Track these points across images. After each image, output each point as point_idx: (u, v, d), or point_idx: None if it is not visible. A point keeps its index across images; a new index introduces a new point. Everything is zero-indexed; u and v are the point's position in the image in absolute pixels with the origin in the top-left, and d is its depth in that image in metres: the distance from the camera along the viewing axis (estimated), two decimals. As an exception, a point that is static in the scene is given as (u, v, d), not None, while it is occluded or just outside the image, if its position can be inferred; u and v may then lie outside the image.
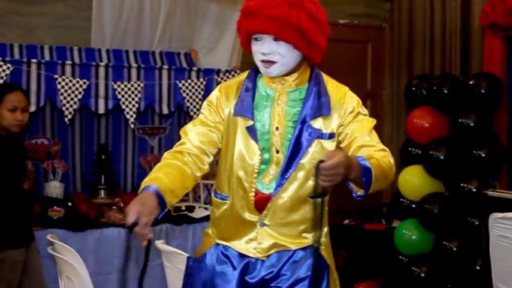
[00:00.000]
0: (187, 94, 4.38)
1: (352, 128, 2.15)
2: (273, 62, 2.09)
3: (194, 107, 4.38)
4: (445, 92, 4.36)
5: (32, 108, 3.91)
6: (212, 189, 2.35)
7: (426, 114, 4.54)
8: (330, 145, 2.16)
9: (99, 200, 4.38)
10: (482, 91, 4.25)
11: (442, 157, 4.31)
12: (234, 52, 4.80)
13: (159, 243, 3.05)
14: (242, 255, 2.20)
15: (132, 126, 4.35)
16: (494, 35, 4.51)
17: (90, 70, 4.16)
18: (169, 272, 2.99)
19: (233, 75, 4.42)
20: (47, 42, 4.48)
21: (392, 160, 2.09)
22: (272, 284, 2.18)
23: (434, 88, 4.44)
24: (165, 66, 4.40)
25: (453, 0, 4.92)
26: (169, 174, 2.04)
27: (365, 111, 2.21)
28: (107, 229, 4.05)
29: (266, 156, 2.14)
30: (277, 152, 2.14)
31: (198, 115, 2.28)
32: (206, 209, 4.38)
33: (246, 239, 2.19)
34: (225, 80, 4.19)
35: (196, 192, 4.51)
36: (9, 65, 3.92)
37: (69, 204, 4.19)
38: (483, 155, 4.21)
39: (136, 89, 4.25)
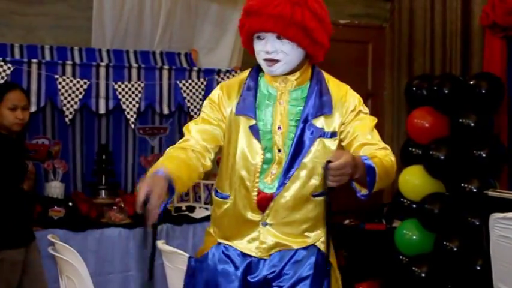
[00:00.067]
0: (188, 94, 4.39)
1: (354, 126, 2.16)
2: (276, 61, 2.09)
3: (195, 107, 4.38)
4: (446, 92, 4.36)
5: (33, 109, 3.92)
6: (213, 188, 2.35)
7: (427, 114, 4.53)
8: (332, 144, 2.16)
9: (100, 200, 4.39)
10: (483, 91, 4.25)
11: (442, 157, 4.31)
12: (234, 52, 4.80)
13: (160, 244, 3.04)
14: (244, 255, 2.20)
15: (132, 126, 4.36)
16: (495, 35, 4.51)
17: (91, 70, 4.16)
18: (169, 272, 2.99)
19: (234, 76, 4.41)
20: (48, 42, 4.48)
21: (393, 158, 2.09)
22: (274, 284, 2.18)
23: (435, 88, 4.44)
24: (166, 66, 4.40)
25: (453, 0, 4.91)
26: (175, 163, 2.02)
27: (366, 109, 2.21)
28: (107, 229, 4.06)
29: (268, 155, 2.14)
30: (279, 151, 2.14)
31: (198, 115, 2.28)
32: (207, 209, 4.38)
33: (248, 238, 2.19)
34: (226, 80, 4.19)
35: (197, 192, 4.51)
36: (9, 65, 3.92)
37: (70, 204, 4.19)
38: (484, 155, 4.21)
39: (136, 89, 4.25)
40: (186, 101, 4.37)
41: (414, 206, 4.57)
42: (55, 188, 4.31)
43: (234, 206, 2.18)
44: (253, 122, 2.14)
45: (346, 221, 5.10)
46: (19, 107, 3.34)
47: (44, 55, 4.33)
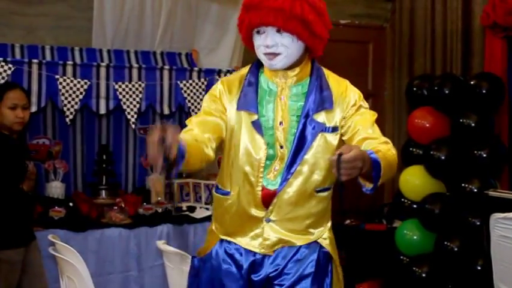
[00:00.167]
0: (189, 94, 4.39)
1: (355, 120, 2.16)
2: (277, 54, 2.10)
3: (195, 107, 4.38)
4: (446, 92, 4.36)
5: (33, 109, 3.92)
6: (213, 186, 2.35)
7: (427, 114, 4.53)
8: (333, 138, 2.17)
9: (100, 200, 4.38)
10: (484, 91, 4.24)
11: (443, 157, 4.31)
12: (235, 52, 4.80)
13: (160, 244, 3.05)
14: (247, 253, 2.19)
15: (133, 126, 4.35)
16: (495, 35, 4.50)
17: (91, 70, 4.16)
18: (170, 272, 2.99)
19: (234, 76, 4.42)
20: (48, 42, 4.49)
21: (395, 151, 2.10)
22: (275, 282, 2.19)
23: (436, 88, 4.44)
24: (166, 67, 4.40)
25: (454, 0, 4.91)
26: (184, 137, 1.99)
27: (366, 104, 2.23)
28: (108, 229, 4.05)
29: (270, 151, 2.15)
30: (281, 147, 2.15)
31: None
32: (207, 209, 4.38)
33: (252, 234, 2.19)
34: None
35: (197, 192, 4.51)
36: (10, 65, 3.93)
37: (70, 204, 4.20)
38: (484, 155, 4.21)
39: (137, 89, 4.25)
40: (186, 101, 4.37)
41: (415, 206, 4.57)
42: (56, 188, 4.31)
43: (237, 203, 2.18)
44: (255, 117, 2.15)
45: (347, 221, 5.10)
46: (19, 106, 3.34)
47: (45, 55, 4.33)
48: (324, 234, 2.23)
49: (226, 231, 2.24)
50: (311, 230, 2.21)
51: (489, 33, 4.57)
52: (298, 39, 2.09)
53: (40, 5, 4.59)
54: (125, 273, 4.06)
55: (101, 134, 4.70)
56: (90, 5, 4.53)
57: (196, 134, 2.07)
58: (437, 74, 4.92)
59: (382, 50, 5.73)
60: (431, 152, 4.36)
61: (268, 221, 2.17)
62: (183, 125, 2.17)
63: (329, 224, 2.27)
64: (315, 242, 2.21)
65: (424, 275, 4.38)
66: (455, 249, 4.24)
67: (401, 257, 4.63)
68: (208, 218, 4.10)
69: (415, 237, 4.53)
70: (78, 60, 4.32)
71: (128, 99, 4.22)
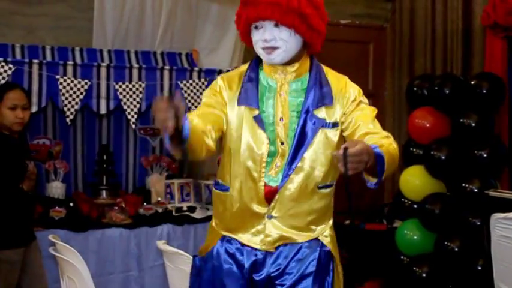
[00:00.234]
0: (189, 94, 4.39)
1: (355, 116, 2.17)
2: (275, 48, 2.10)
3: (196, 107, 4.38)
4: (447, 92, 4.36)
5: (34, 109, 3.92)
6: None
7: (427, 114, 4.53)
8: (333, 134, 2.17)
9: (101, 201, 4.39)
10: (484, 91, 4.24)
11: (443, 157, 4.31)
12: (235, 52, 4.80)
13: (161, 244, 3.05)
14: (249, 253, 2.19)
15: (133, 126, 4.35)
16: (496, 35, 4.50)
17: (92, 70, 4.16)
18: (170, 273, 2.99)
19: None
20: (49, 42, 4.49)
21: (396, 145, 2.11)
22: (277, 282, 2.19)
23: (436, 88, 4.44)
24: (167, 67, 4.40)
25: (454, 0, 4.91)
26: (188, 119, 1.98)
27: (366, 100, 2.24)
28: (108, 229, 4.06)
29: (272, 148, 2.15)
30: (282, 143, 2.15)
31: None
32: (208, 209, 4.38)
33: (253, 231, 2.19)
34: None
35: (198, 192, 4.52)
36: (10, 66, 3.93)
37: (71, 204, 4.20)
38: (484, 155, 4.21)
39: (137, 89, 4.25)
40: (187, 101, 4.37)
41: (415, 206, 4.57)
42: (56, 188, 4.31)
43: (239, 198, 2.17)
44: (256, 112, 2.15)
45: (347, 221, 5.09)
46: (19, 107, 3.34)
47: (45, 55, 4.34)
48: (325, 232, 2.23)
49: (227, 227, 2.23)
50: (313, 227, 2.21)
51: (489, 33, 4.57)
52: (296, 33, 2.09)
53: (40, 5, 4.59)
54: (126, 273, 4.07)
55: (102, 134, 4.70)
56: (90, 5, 4.54)
57: (198, 123, 2.06)
58: (438, 74, 4.91)
59: (382, 50, 5.72)
60: (432, 152, 4.36)
61: (270, 217, 2.16)
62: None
63: (330, 222, 2.27)
64: (316, 240, 2.21)
65: (424, 275, 4.38)
66: (456, 249, 4.23)
67: (402, 257, 4.63)
68: (208, 218, 4.09)
69: (415, 237, 4.52)
70: (78, 61, 4.32)
71: (128, 99, 4.22)
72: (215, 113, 2.15)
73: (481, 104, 4.28)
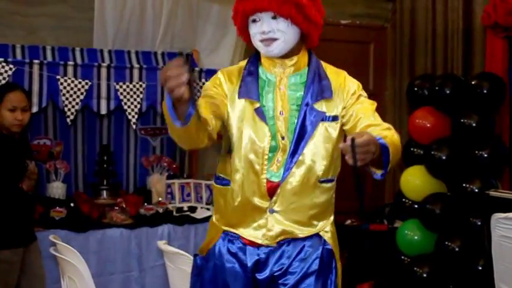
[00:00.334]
0: (189, 95, 4.38)
1: (356, 109, 2.17)
2: (274, 39, 2.11)
3: (196, 107, 4.38)
4: (447, 92, 4.35)
5: (34, 109, 3.93)
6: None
7: (428, 114, 4.53)
8: (334, 128, 2.17)
9: (101, 201, 4.39)
10: (484, 91, 4.24)
11: (444, 157, 4.31)
12: (235, 53, 4.80)
13: (161, 244, 3.05)
14: (251, 253, 2.18)
15: (134, 126, 4.36)
16: (496, 35, 4.50)
17: (92, 71, 4.17)
18: (171, 273, 2.99)
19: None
20: (49, 43, 4.49)
21: (398, 136, 2.10)
22: (280, 281, 2.18)
23: (436, 88, 4.44)
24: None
25: (455, 0, 4.91)
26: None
27: (365, 93, 2.24)
28: (109, 230, 4.06)
29: (273, 143, 2.14)
30: (283, 138, 2.14)
31: None
32: (208, 209, 4.39)
33: (255, 225, 2.17)
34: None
35: (198, 192, 4.52)
36: (11, 66, 3.93)
37: (72, 204, 4.20)
38: (485, 155, 4.20)
39: (138, 89, 4.25)
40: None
41: (416, 206, 4.57)
42: (57, 189, 4.32)
43: (241, 192, 2.16)
44: (257, 105, 2.15)
45: (348, 222, 5.10)
46: (19, 108, 3.33)
47: (46, 56, 4.34)
48: (326, 227, 2.23)
49: (228, 222, 2.22)
50: (314, 222, 2.20)
51: (490, 33, 4.57)
52: (293, 24, 2.10)
53: (41, 6, 4.59)
54: (126, 274, 4.07)
55: (102, 134, 4.71)
56: (91, 5, 4.54)
57: (201, 112, 2.00)
58: (438, 74, 4.91)
59: (383, 50, 5.73)
60: (432, 152, 4.36)
61: (272, 211, 2.16)
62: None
63: (331, 218, 2.27)
64: (318, 237, 2.21)
65: (425, 275, 4.38)
66: (456, 249, 4.23)
67: (402, 257, 4.63)
68: (209, 219, 4.09)
69: (416, 238, 4.52)
70: (79, 61, 4.32)
71: (128, 100, 4.22)
72: (216, 103, 2.13)
73: (481, 104, 4.28)
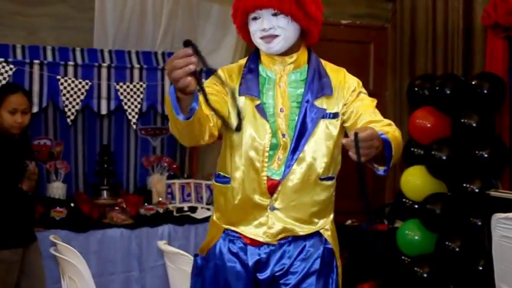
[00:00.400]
0: (190, 95, 4.38)
1: (356, 106, 2.17)
2: (274, 36, 2.11)
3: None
4: (447, 92, 4.35)
5: (35, 109, 3.93)
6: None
7: (428, 114, 4.53)
8: (334, 125, 2.17)
9: (102, 201, 4.39)
10: (485, 91, 4.24)
11: (444, 157, 4.31)
12: (236, 53, 4.80)
13: (162, 244, 3.05)
14: (252, 253, 2.18)
15: (134, 127, 4.36)
16: (497, 35, 4.50)
17: (93, 71, 4.17)
18: (171, 273, 2.99)
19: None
20: (50, 43, 4.49)
21: (399, 132, 2.10)
22: (281, 281, 2.18)
23: (437, 88, 4.44)
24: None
25: (455, 0, 4.91)
26: None
27: (365, 91, 2.24)
28: (109, 230, 4.06)
29: (273, 140, 2.14)
30: (284, 135, 2.14)
31: None
32: (208, 209, 4.38)
33: (256, 223, 2.17)
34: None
35: (199, 193, 4.52)
36: (11, 66, 3.93)
37: (72, 204, 4.21)
38: (485, 155, 4.20)
39: (138, 89, 4.25)
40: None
41: (416, 206, 4.57)
42: (57, 189, 4.32)
43: (241, 190, 2.16)
44: (258, 101, 2.14)
45: (348, 222, 5.10)
46: (19, 111, 3.32)
47: (46, 56, 4.33)
48: (326, 225, 2.23)
49: (228, 220, 2.22)
50: (315, 220, 2.20)
51: (490, 33, 4.56)
52: (293, 21, 2.10)
53: (41, 6, 4.59)
54: (127, 274, 4.07)
55: (102, 135, 4.71)
56: (91, 5, 4.54)
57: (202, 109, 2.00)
58: (439, 74, 4.91)
59: (383, 50, 5.73)
60: (433, 152, 4.36)
61: (273, 209, 2.15)
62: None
63: (331, 216, 2.27)
64: (319, 236, 2.21)
65: (425, 275, 4.38)
66: (457, 249, 4.23)
67: (403, 257, 4.63)
68: (209, 219, 4.10)
69: (416, 238, 4.52)
70: (79, 61, 4.32)
71: (129, 100, 4.22)
72: (217, 100, 2.11)
73: (481, 104, 4.28)
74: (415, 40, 5.34)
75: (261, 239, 2.17)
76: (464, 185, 4.24)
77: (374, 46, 5.76)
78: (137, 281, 4.08)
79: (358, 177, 1.81)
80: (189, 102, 1.83)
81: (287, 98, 2.16)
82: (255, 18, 2.13)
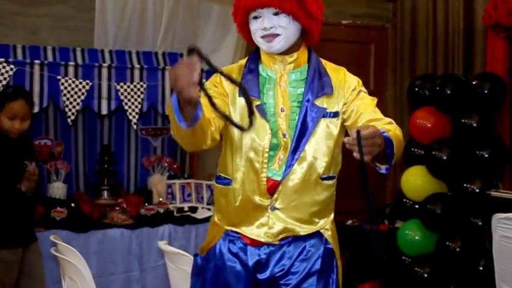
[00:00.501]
0: (190, 95, 4.38)
1: (357, 105, 2.17)
2: (275, 35, 2.11)
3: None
4: (448, 92, 4.35)
5: (35, 109, 3.92)
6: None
7: (429, 114, 4.53)
8: (335, 124, 2.17)
9: (102, 201, 4.39)
10: (485, 91, 4.24)
11: (444, 157, 4.30)
12: (236, 53, 4.80)
13: (162, 244, 3.05)
14: (252, 253, 2.18)
15: (135, 127, 4.36)
16: (497, 35, 4.50)
17: (93, 71, 4.17)
18: (172, 273, 2.99)
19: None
20: (50, 43, 4.49)
21: (400, 130, 2.10)
22: (281, 282, 2.18)
23: (437, 88, 4.44)
24: (168, 67, 4.41)
25: (456, 0, 4.91)
26: None
27: (365, 89, 2.24)
28: (110, 230, 4.06)
29: (274, 141, 2.14)
30: (284, 135, 2.14)
31: None
32: (209, 209, 4.38)
33: (257, 223, 2.17)
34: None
35: (199, 193, 4.52)
36: (12, 66, 3.93)
37: (72, 205, 4.20)
38: (486, 156, 4.20)
39: (139, 89, 4.25)
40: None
41: (416, 206, 4.57)
42: (57, 189, 4.32)
43: (242, 191, 2.16)
44: (258, 102, 2.14)
45: (349, 222, 5.10)
46: (18, 117, 3.30)
47: (47, 56, 4.33)
48: (327, 225, 2.23)
49: (230, 221, 2.22)
50: (315, 219, 2.20)
51: (491, 33, 4.56)
52: (294, 20, 2.10)
53: (42, 6, 4.59)
54: (127, 274, 4.07)
55: (103, 135, 4.71)
56: (91, 5, 4.54)
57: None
58: (439, 74, 4.91)
59: (383, 50, 5.72)
60: (433, 152, 4.36)
61: (273, 209, 2.15)
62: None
63: (332, 216, 2.27)
64: (319, 236, 2.21)
65: (425, 275, 4.38)
66: (457, 249, 4.23)
67: (403, 257, 4.63)
68: (209, 219, 4.10)
69: (416, 238, 4.52)
70: (80, 61, 4.32)
71: (129, 100, 4.22)
72: (217, 102, 2.09)
73: (482, 104, 4.28)
74: (416, 40, 5.34)
75: (262, 240, 2.17)
76: (465, 185, 4.24)
77: (374, 46, 5.76)
78: (138, 281, 4.08)
79: (360, 176, 1.80)
80: (192, 111, 1.84)
81: (287, 97, 2.16)
82: (255, 17, 2.12)
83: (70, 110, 4.07)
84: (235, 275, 2.19)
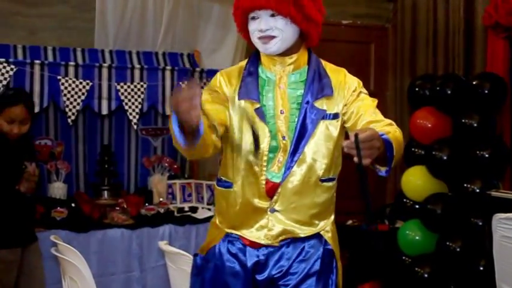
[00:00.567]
0: (190, 95, 4.38)
1: (357, 106, 2.16)
2: (272, 37, 2.10)
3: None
4: (448, 92, 4.35)
5: (36, 110, 3.92)
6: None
7: (429, 114, 4.53)
8: (334, 126, 2.16)
9: (103, 201, 4.39)
10: (486, 91, 4.24)
11: (445, 157, 4.30)
12: (237, 53, 4.80)
13: (162, 244, 3.05)
14: (251, 254, 2.18)
15: (135, 127, 4.36)
16: (498, 35, 4.50)
17: (93, 71, 4.17)
18: (172, 273, 2.99)
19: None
20: (50, 43, 4.50)
21: (400, 132, 2.09)
22: (280, 283, 2.18)
23: (438, 88, 4.43)
24: (168, 67, 4.41)
25: (456, 0, 4.91)
26: None
27: (366, 91, 2.23)
28: (110, 230, 4.06)
29: (273, 143, 2.14)
30: (284, 138, 2.14)
31: None
32: (209, 209, 4.39)
33: (257, 226, 2.17)
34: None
35: (199, 193, 4.52)
36: (12, 66, 3.94)
37: (73, 205, 4.21)
38: (486, 156, 4.20)
39: (139, 89, 4.26)
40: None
41: (417, 206, 4.57)
42: (58, 189, 4.32)
43: (241, 194, 2.16)
44: (257, 105, 2.14)
45: (349, 222, 5.10)
46: (17, 122, 3.30)
47: (47, 56, 4.34)
48: (327, 227, 2.23)
49: (230, 224, 2.22)
50: (315, 221, 2.20)
51: (491, 33, 4.56)
52: (292, 23, 2.10)
53: (42, 6, 4.60)
54: (127, 274, 4.07)
55: (103, 135, 4.71)
56: (92, 5, 4.54)
57: (204, 120, 2.01)
58: (439, 74, 4.91)
59: (384, 50, 5.72)
60: (433, 152, 4.36)
61: (273, 211, 2.15)
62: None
63: (332, 217, 2.27)
64: (318, 238, 2.21)
65: (426, 275, 4.38)
66: (458, 249, 4.23)
67: (404, 257, 4.63)
68: (210, 219, 4.09)
69: (417, 238, 4.52)
70: (80, 61, 4.33)
71: (129, 100, 4.22)
72: (217, 108, 2.12)
73: (482, 104, 4.28)
74: (416, 40, 5.34)
75: (262, 242, 2.17)
76: (465, 185, 4.24)
77: (375, 46, 5.76)
78: (138, 281, 4.08)
79: (359, 179, 1.79)
80: (195, 132, 1.87)
81: (287, 99, 2.16)
82: (253, 18, 2.13)
83: (70, 110, 4.07)
84: (234, 275, 2.19)
